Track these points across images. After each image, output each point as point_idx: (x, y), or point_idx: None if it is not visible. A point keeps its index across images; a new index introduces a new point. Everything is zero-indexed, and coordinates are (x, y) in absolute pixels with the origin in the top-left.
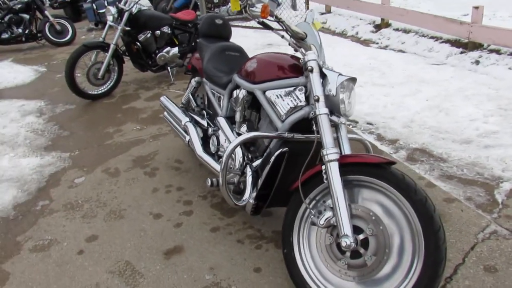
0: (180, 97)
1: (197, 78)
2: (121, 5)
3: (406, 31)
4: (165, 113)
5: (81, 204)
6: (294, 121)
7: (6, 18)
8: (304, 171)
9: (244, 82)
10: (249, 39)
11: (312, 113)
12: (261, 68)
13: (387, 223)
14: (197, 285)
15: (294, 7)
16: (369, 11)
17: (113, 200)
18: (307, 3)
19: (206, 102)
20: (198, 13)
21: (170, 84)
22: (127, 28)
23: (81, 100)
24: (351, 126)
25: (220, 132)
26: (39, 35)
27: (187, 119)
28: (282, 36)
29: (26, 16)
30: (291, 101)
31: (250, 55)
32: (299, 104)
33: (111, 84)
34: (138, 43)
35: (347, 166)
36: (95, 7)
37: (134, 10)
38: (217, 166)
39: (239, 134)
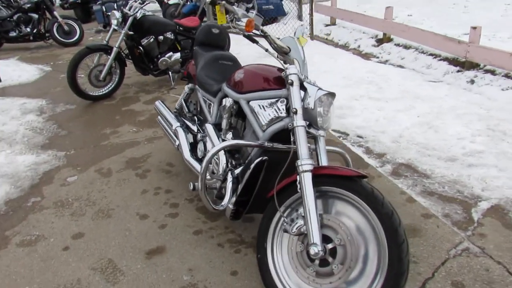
0: None
1: (190, 85)
2: (125, 10)
3: (406, 47)
4: (159, 117)
5: (71, 202)
6: (275, 131)
7: (15, 17)
8: (280, 180)
9: (231, 92)
10: (254, 47)
11: (290, 125)
12: (247, 79)
13: (355, 234)
14: (174, 285)
15: (300, 17)
16: (372, 25)
17: (103, 200)
18: (311, 14)
19: (198, 109)
20: (205, 19)
21: (170, 89)
22: (130, 33)
23: (81, 100)
24: (341, 138)
25: (207, 138)
26: (47, 34)
27: (178, 124)
28: (266, 50)
29: (35, 16)
30: (273, 112)
31: (254, 63)
32: (280, 115)
33: (112, 86)
34: (141, 47)
35: (321, 177)
36: (104, 9)
37: (139, 15)
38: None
39: (224, 141)
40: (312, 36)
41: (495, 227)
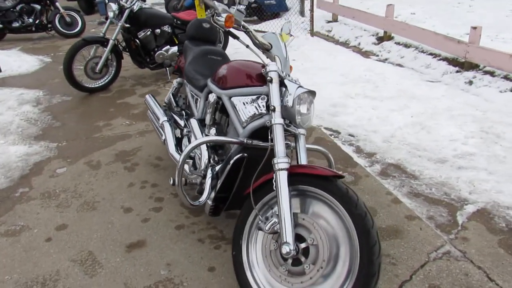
0: None
1: (179, 79)
2: (122, 2)
3: (407, 46)
4: (149, 111)
5: (58, 193)
6: (254, 128)
7: (18, 7)
8: (258, 178)
9: (214, 87)
10: None
11: (268, 122)
12: (230, 75)
13: (328, 234)
14: (151, 279)
15: (302, 13)
16: (373, 23)
17: (89, 192)
18: (311, 10)
19: (187, 103)
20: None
21: (166, 82)
22: (127, 25)
23: (78, 92)
24: (332, 136)
25: (191, 133)
26: (49, 26)
27: (165, 118)
28: (247, 46)
29: (38, 7)
30: (253, 108)
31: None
32: (260, 112)
33: (108, 79)
34: (138, 40)
35: (299, 176)
36: (106, 1)
37: (135, 7)
38: (185, 166)
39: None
40: (313, 33)
41: (479, 231)
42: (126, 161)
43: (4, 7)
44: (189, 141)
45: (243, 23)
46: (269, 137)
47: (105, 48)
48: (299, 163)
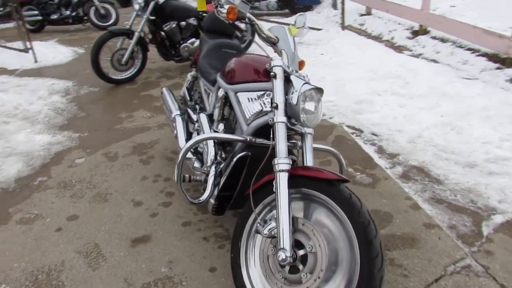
0: None
1: (193, 73)
2: None
3: (443, 40)
4: (164, 104)
5: (74, 184)
6: (258, 125)
7: (56, 0)
8: (259, 178)
9: (222, 82)
10: None
11: (270, 120)
12: (237, 69)
13: (329, 242)
14: (151, 276)
15: (334, 6)
16: (408, 16)
17: (103, 184)
18: (342, 3)
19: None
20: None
21: None
22: (152, 17)
23: (105, 83)
24: (354, 135)
25: (200, 128)
26: (84, 18)
27: (178, 112)
28: (252, 39)
29: None
30: (258, 105)
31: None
32: (265, 109)
33: (134, 71)
34: (163, 33)
35: (300, 178)
36: None
37: (161, 0)
38: (196, 162)
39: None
40: (344, 26)
41: (505, 245)
42: (143, 154)
43: (44, 0)
44: None
45: (248, 15)
46: (271, 136)
47: (131, 40)
48: (305, 164)
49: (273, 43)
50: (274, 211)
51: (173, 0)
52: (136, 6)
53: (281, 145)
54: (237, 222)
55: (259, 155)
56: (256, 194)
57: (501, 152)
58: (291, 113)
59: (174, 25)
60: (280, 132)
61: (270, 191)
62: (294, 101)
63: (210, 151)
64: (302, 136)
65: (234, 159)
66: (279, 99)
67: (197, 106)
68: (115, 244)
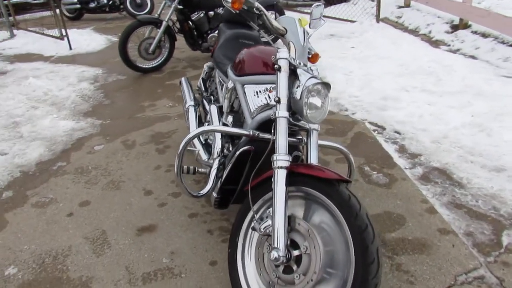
0: None
1: (209, 63)
2: None
3: (485, 35)
4: (182, 94)
5: (90, 170)
6: (262, 119)
7: None
8: (259, 173)
9: (231, 73)
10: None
11: (272, 114)
12: (245, 61)
13: (325, 243)
14: (152, 266)
15: None
16: (447, 9)
17: (118, 171)
18: None
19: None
20: None
21: None
22: (180, 7)
23: (133, 72)
24: (375, 132)
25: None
26: (121, 6)
27: (192, 103)
28: (259, 30)
29: None
30: (265, 98)
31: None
32: (270, 103)
33: (161, 60)
34: (191, 22)
35: (302, 176)
36: None
37: None
38: (202, 154)
39: (225, 125)
40: (378, 19)
41: None
42: (160, 143)
43: None
44: None
45: (257, 4)
46: (272, 131)
47: (159, 30)
48: (309, 161)
49: (281, 34)
50: (271, 209)
51: None
52: None
53: (281, 141)
54: (236, 218)
55: (262, 149)
56: (257, 189)
57: None
58: (295, 108)
59: (202, 15)
60: (281, 127)
61: (270, 187)
62: (298, 96)
63: (217, 143)
64: (308, 132)
65: (237, 153)
66: (282, 93)
67: (212, 97)
68: (121, 231)
